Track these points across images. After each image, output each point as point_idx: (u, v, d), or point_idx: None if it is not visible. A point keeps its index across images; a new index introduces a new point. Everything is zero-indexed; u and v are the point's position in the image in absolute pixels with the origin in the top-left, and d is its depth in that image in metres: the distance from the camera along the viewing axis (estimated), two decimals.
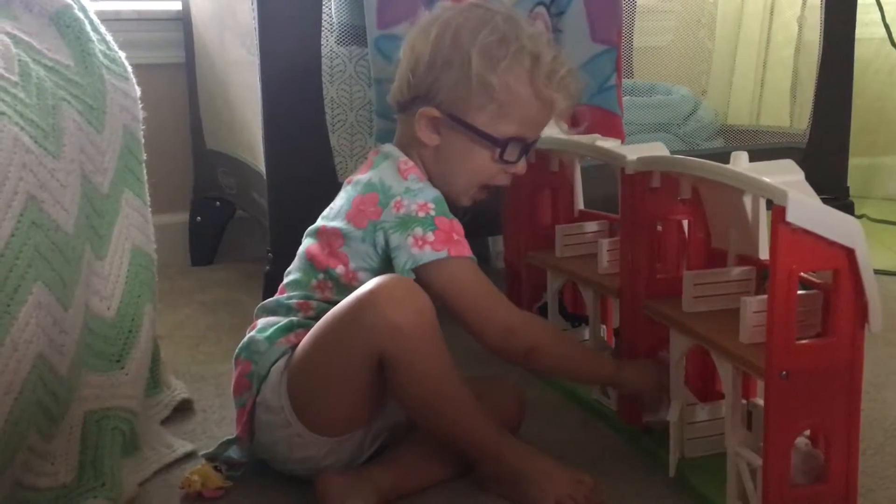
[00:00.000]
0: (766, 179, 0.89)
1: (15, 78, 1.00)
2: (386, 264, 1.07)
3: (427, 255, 1.05)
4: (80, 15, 1.18)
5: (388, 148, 1.15)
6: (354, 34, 1.52)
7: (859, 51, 2.00)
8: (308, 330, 1.04)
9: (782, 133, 2.11)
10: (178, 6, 2.08)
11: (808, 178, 0.92)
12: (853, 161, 2.03)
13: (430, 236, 1.05)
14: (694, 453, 1.08)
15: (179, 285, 1.97)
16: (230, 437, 1.09)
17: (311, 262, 1.11)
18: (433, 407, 1.02)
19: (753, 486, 0.94)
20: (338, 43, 1.54)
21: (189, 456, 1.15)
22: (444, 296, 1.06)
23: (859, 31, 1.98)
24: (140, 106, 1.26)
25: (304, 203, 1.26)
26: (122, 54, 1.25)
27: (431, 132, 1.13)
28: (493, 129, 1.11)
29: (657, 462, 1.11)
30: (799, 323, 0.88)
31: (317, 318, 1.04)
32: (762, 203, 1.01)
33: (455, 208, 1.12)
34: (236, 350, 1.10)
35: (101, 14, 1.26)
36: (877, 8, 2.32)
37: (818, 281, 0.93)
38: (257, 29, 1.49)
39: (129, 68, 1.26)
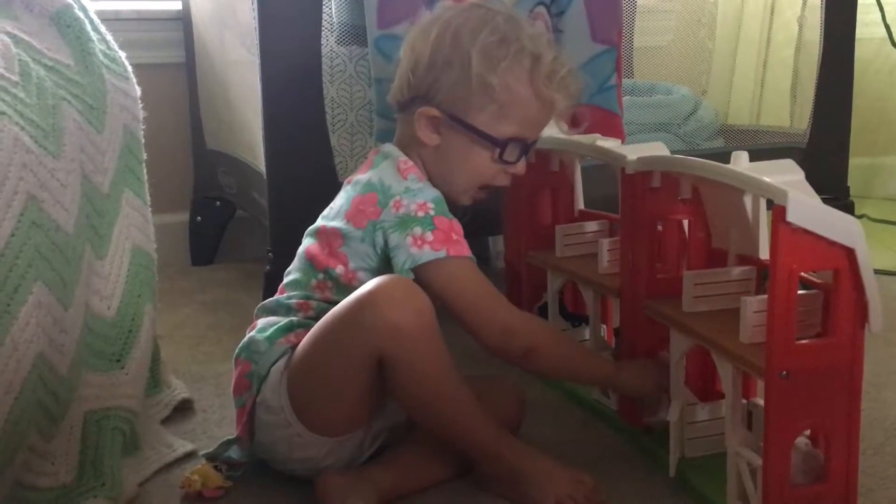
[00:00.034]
0: (767, 179, 0.89)
1: (15, 77, 1.00)
2: (385, 264, 1.07)
3: (426, 254, 1.05)
4: (81, 15, 1.18)
5: (388, 148, 1.15)
6: (355, 34, 1.52)
7: (859, 51, 2.00)
8: (308, 330, 1.04)
9: (782, 133, 2.12)
10: (178, 6, 2.08)
11: (809, 178, 0.92)
12: (853, 161, 2.03)
13: (430, 236, 1.05)
14: (694, 453, 1.08)
15: (179, 285, 1.97)
16: (230, 437, 1.09)
17: (310, 262, 1.11)
18: (433, 407, 1.02)
19: (753, 485, 0.94)
20: (338, 43, 1.54)
21: (189, 456, 1.15)
22: (443, 295, 1.06)
23: (859, 31, 1.98)
24: (140, 106, 1.26)
25: (305, 203, 1.26)
26: (122, 54, 1.25)
27: (431, 132, 1.13)
28: (492, 129, 1.11)
29: (657, 462, 1.11)
30: (799, 323, 0.88)
31: (317, 319, 1.04)
32: (762, 203, 1.01)
33: (455, 208, 1.12)
34: (236, 350, 1.10)
35: (101, 14, 1.26)
36: (877, 8, 2.32)
37: (818, 281, 0.93)
38: (257, 28, 1.49)
39: (130, 68, 1.26)
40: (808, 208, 0.85)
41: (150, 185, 1.29)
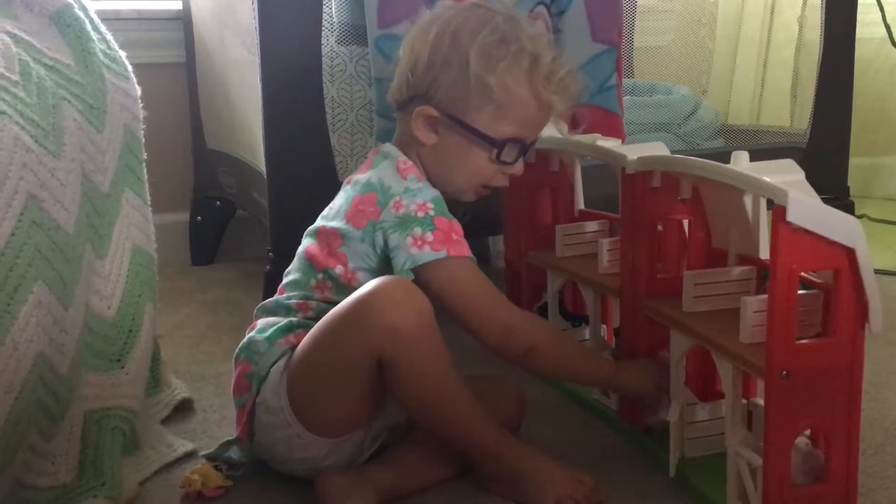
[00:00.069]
0: (767, 179, 0.89)
1: (15, 77, 1.00)
2: (385, 264, 1.07)
3: (426, 254, 1.05)
4: (81, 14, 1.18)
5: (388, 148, 1.15)
6: (355, 34, 1.52)
7: (860, 51, 2.00)
8: (307, 330, 1.04)
9: (783, 133, 2.12)
10: (178, 5, 2.08)
11: (809, 178, 0.92)
12: (853, 161, 2.03)
13: (429, 236, 1.05)
14: (694, 453, 1.08)
15: (180, 285, 1.97)
16: (230, 437, 1.09)
17: (310, 262, 1.11)
18: (433, 407, 1.02)
19: (754, 485, 0.94)
20: (338, 42, 1.54)
21: (189, 455, 1.15)
22: (444, 296, 1.06)
23: (860, 31, 1.98)
24: (140, 105, 1.26)
25: (305, 203, 1.26)
26: (122, 53, 1.25)
27: (429, 131, 1.12)
28: (490, 129, 1.11)
29: (657, 462, 1.11)
30: (799, 323, 0.88)
31: (316, 319, 1.04)
32: (762, 203, 1.01)
33: (455, 208, 1.12)
34: (236, 350, 1.10)
35: (101, 13, 1.26)
36: (877, 8, 2.32)
37: (818, 281, 0.93)
38: (258, 28, 1.49)
39: (130, 67, 1.26)
40: (808, 208, 0.85)
41: (151, 184, 1.29)
